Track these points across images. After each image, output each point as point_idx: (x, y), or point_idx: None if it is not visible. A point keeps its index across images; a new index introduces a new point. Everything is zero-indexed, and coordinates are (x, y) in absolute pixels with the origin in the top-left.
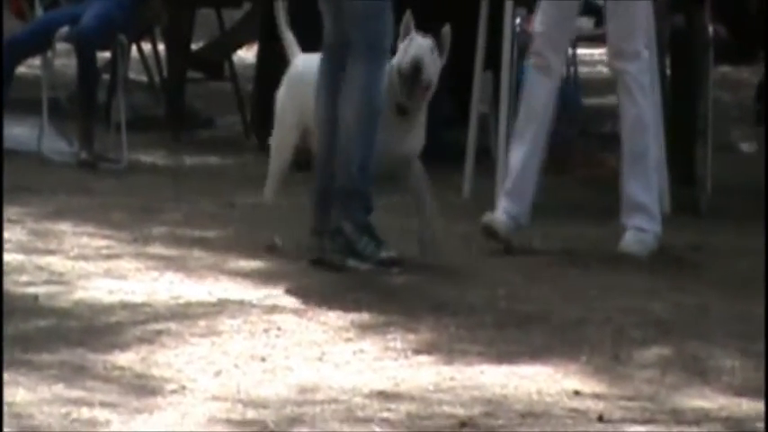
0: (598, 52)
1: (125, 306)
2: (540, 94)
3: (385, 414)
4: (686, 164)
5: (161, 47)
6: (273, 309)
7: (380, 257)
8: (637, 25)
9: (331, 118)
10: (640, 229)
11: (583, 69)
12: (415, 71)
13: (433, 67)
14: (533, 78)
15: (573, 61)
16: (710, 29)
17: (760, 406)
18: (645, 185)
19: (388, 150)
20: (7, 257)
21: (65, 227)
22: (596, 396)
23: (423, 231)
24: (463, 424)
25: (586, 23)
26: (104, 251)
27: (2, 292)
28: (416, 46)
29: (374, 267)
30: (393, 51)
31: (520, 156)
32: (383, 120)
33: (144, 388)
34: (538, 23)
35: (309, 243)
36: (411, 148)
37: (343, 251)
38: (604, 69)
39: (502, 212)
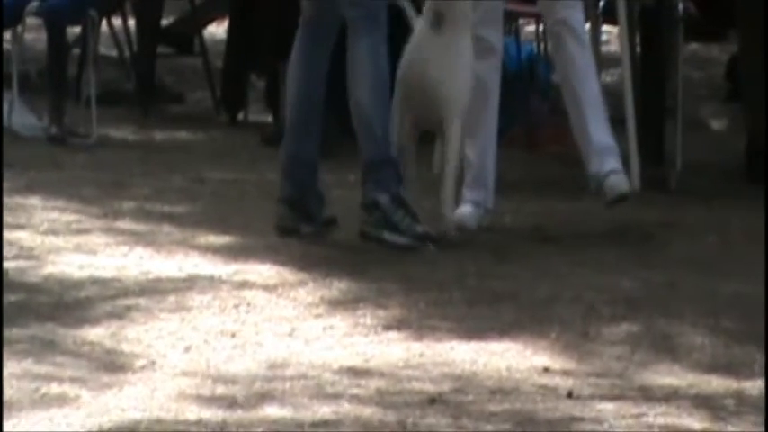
0: None
1: (95, 281)
2: (486, 78)
3: (355, 390)
4: (656, 141)
5: (131, 22)
6: (243, 284)
7: (417, 232)
8: None
9: (304, 93)
10: (617, 171)
11: None
12: None
13: None
14: (478, 64)
15: (543, 38)
16: (680, 6)
17: (729, 383)
18: (606, 128)
19: (414, 75)
20: None
21: (35, 201)
22: (566, 373)
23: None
24: (433, 400)
25: None
26: (74, 226)
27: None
28: None
29: (411, 242)
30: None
31: (476, 149)
32: (422, 39)
33: (113, 363)
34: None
35: (277, 211)
36: (440, 77)
37: (380, 224)
38: None
39: (467, 204)
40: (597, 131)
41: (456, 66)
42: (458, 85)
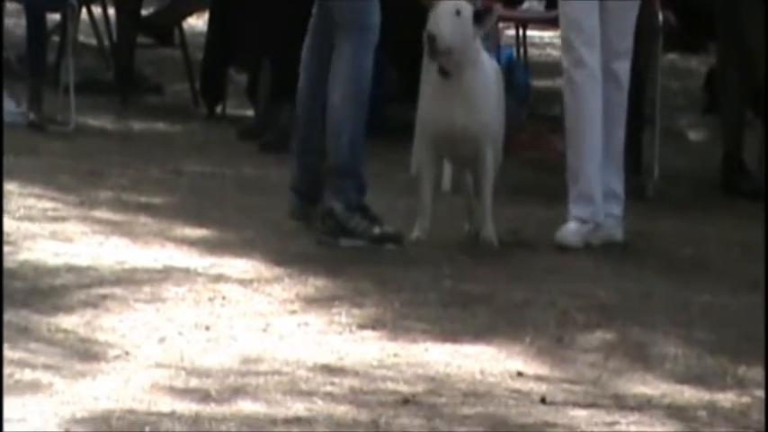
0: (548, 35)
1: (70, 269)
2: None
3: (328, 388)
4: (634, 150)
5: (111, 11)
6: (219, 278)
7: (373, 234)
8: (631, 24)
9: (313, 93)
10: (614, 216)
11: (533, 52)
12: (429, 41)
13: (453, 31)
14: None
15: (522, 43)
16: (660, 16)
17: (701, 394)
18: (620, 175)
19: (444, 125)
20: None
21: (11, 187)
22: (539, 378)
23: (478, 224)
24: (406, 400)
25: (536, 6)
26: (51, 213)
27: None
28: (436, 13)
29: (368, 244)
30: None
31: (580, 162)
32: (437, 90)
33: (87, 352)
34: None
35: (288, 198)
36: (470, 125)
37: (335, 232)
38: (553, 52)
39: (571, 221)
40: (610, 176)
41: (479, 101)
42: (486, 118)
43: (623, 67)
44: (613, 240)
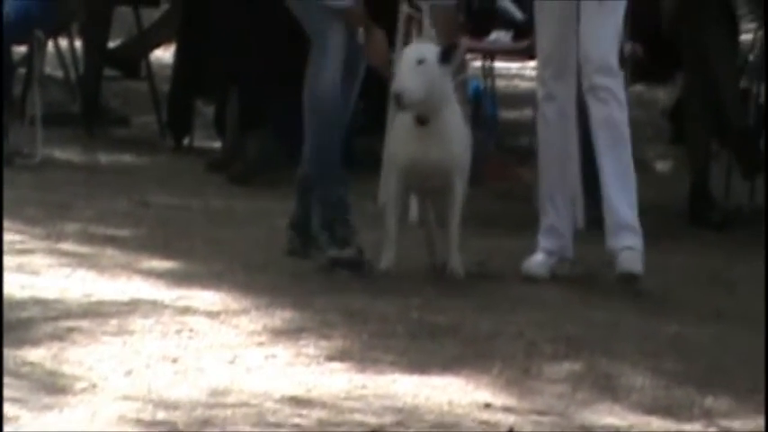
0: (515, 66)
1: (37, 302)
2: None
3: (296, 420)
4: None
5: (78, 43)
6: (186, 310)
7: (328, 255)
8: (617, 39)
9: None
10: (631, 249)
11: (500, 83)
12: (396, 99)
13: (419, 83)
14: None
15: (490, 74)
16: (628, 47)
17: (668, 425)
18: (630, 202)
19: (416, 160)
20: None
21: None
22: (507, 409)
23: (444, 255)
24: None
25: (504, 37)
26: (17, 246)
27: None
28: (399, 66)
29: (326, 263)
30: None
31: (550, 196)
32: (409, 131)
33: (54, 385)
34: None
35: (286, 234)
36: (442, 159)
37: (308, 244)
38: (521, 83)
39: (539, 253)
40: (622, 206)
41: (453, 136)
42: (459, 151)
43: (612, 83)
44: (628, 273)
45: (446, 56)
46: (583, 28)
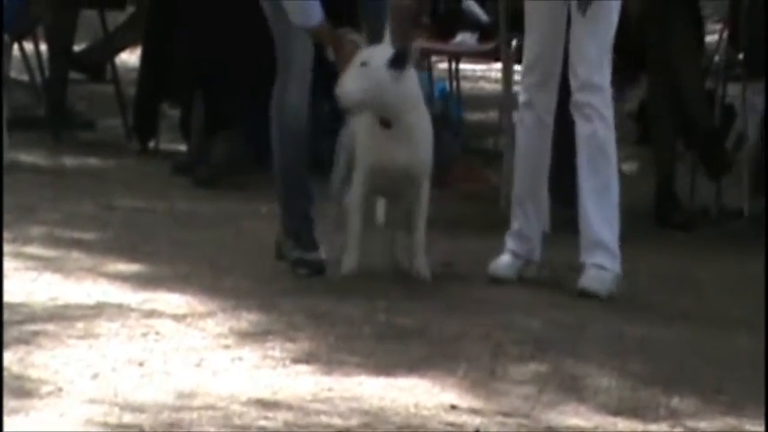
0: (480, 68)
1: (3, 306)
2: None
3: (262, 422)
4: (567, 182)
5: (43, 47)
6: (152, 313)
7: (291, 256)
8: (604, 57)
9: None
10: (601, 267)
11: (465, 85)
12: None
13: (360, 85)
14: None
15: (455, 77)
16: None
17: (635, 425)
18: (606, 220)
19: (382, 163)
20: None
21: None
22: (473, 411)
23: (410, 257)
24: None
25: (469, 39)
26: None
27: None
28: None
29: (290, 264)
30: None
31: (520, 201)
32: (374, 134)
33: (20, 389)
34: None
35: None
36: (408, 162)
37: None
38: (486, 85)
39: (506, 254)
40: (596, 222)
41: (421, 140)
42: (426, 155)
43: (597, 101)
44: (591, 292)
45: (398, 59)
46: (571, 44)
